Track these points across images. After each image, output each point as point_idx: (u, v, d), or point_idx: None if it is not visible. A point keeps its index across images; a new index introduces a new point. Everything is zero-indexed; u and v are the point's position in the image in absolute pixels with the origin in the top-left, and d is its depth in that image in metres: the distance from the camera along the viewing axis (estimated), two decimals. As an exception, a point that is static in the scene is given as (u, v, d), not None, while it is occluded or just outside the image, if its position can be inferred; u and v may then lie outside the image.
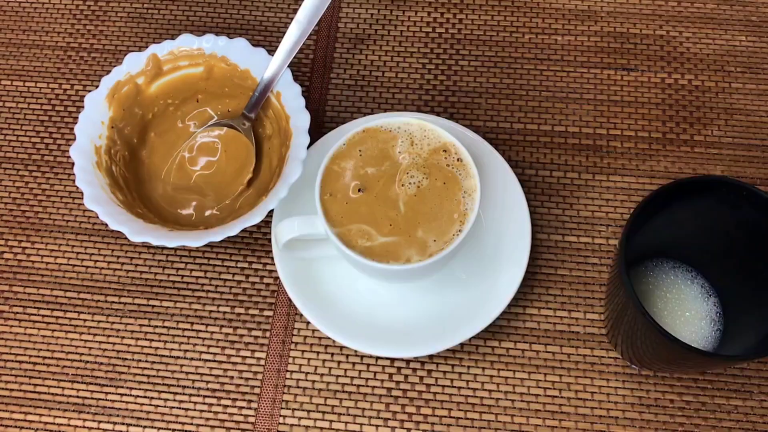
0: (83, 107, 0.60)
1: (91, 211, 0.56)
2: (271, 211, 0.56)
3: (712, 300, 0.53)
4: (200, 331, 0.58)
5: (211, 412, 0.56)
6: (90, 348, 0.58)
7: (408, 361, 0.57)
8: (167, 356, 0.58)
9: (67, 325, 0.59)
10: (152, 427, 0.55)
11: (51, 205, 0.63)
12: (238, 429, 0.55)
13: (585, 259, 0.59)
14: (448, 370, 0.56)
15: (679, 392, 0.55)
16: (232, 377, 0.57)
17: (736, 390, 0.55)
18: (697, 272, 0.54)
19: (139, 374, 0.57)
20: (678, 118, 0.64)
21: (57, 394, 0.57)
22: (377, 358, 0.57)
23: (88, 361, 0.58)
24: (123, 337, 0.58)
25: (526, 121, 0.64)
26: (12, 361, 0.58)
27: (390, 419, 0.55)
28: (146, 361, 0.57)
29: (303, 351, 0.57)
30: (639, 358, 0.51)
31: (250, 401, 0.56)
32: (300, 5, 0.61)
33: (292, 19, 0.61)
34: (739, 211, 0.48)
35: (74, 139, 0.59)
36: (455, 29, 0.68)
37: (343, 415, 0.55)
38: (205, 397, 0.56)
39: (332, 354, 0.57)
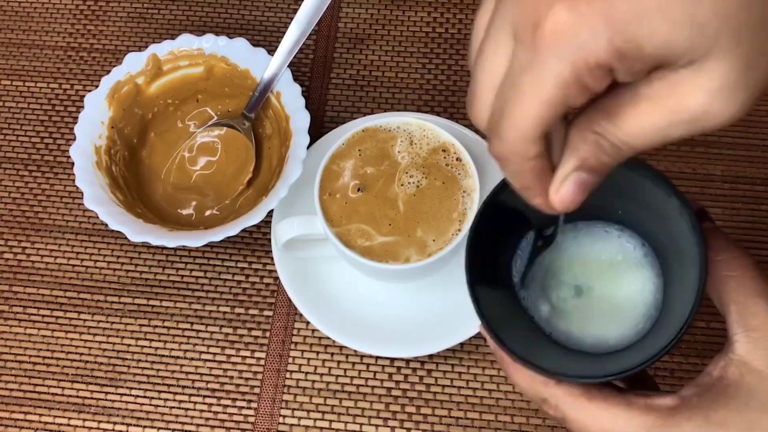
0: (83, 107, 0.60)
1: (91, 211, 0.56)
2: (271, 211, 0.56)
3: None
4: (200, 331, 0.58)
5: (211, 412, 0.56)
6: (90, 348, 0.58)
7: (408, 361, 0.57)
8: (167, 356, 0.58)
9: (67, 325, 0.59)
10: (152, 427, 0.55)
11: (51, 205, 0.63)
12: (238, 429, 0.55)
13: (585, 258, 0.59)
14: (448, 370, 0.56)
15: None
16: (232, 377, 0.57)
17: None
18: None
19: (139, 374, 0.57)
20: (678, 118, 0.64)
21: (57, 394, 0.57)
22: (377, 358, 0.57)
23: (88, 361, 0.58)
24: (123, 337, 0.58)
25: (526, 120, 0.64)
26: (12, 361, 0.58)
27: (390, 419, 0.55)
28: (146, 361, 0.57)
29: (303, 351, 0.57)
30: None
31: (250, 401, 0.56)
32: (300, 5, 0.61)
33: (292, 19, 0.61)
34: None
35: (74, 139, 0.59)
36: (455, 29, 0.68)
37: (343, 415, 0.55)
38: (205, 397, 0.56)
39: (332, 354, 0.57)
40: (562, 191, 0.31)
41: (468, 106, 0.32)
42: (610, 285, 0.42)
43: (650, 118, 0.29)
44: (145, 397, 0.56)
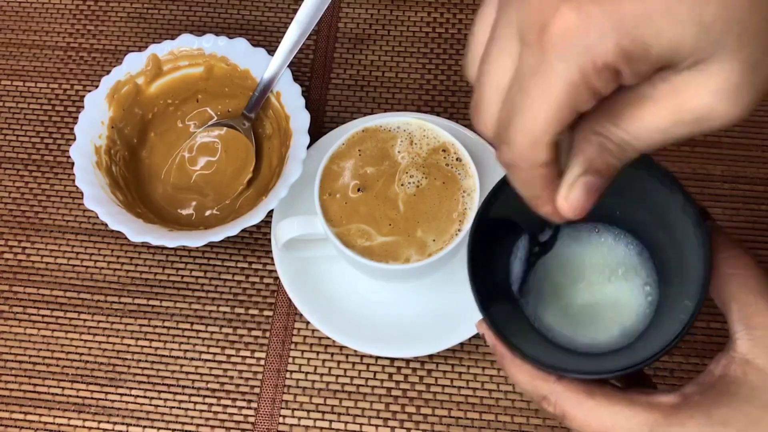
0: (83, 107, 0.60)
1: (91, 211, 0.56)
2: (271, 211, 0.56)
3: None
4: (200, 331, 0.58)
5: (211, 412, 0.56)
6: (90, 348, 0.58)
7: (408, 361, 0.57)
8: (167, 356, 0.58)
9: (67, 325, 0.59)
10: (152, 427, 0.55)
11: (51, 205, 0.63)
12: (238, 429, 0.55)
13: (585, 258, 0.59)
14: (448, 370, 0.56)
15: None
16: (232, 377, 0.57)
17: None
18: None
19: (139, 374, 0.57)
20: (678, 118, 0.64)
21: (57, 394, 0.57)
22: (377, 358, 0.57)
23: (88, 361, 0.58)
24: (123, 337, 0.58)
25: (526, 120, 0.64)
26: (12, 361, 0.58)
27: (390, 419, 0.55)
28: (146, 361, 0.57)
29: (303, 351, 0.57)
30: None
31: (250, 401, 0.56)
32: (300, 5, 0.61)
33: (292, 19, 0.61)
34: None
35: (74, 139, 0.59)
36: (455, 29, 0.68)
37: (343, 415, 0.55)
38: (205, 397, 0.56)
39: (332, 354, 0.57)
40: (571, 196, 0.31)
41: (473, 115, 0.32)
42: (606, 288, 0.42)
43: (653, 118, 0.29)
44: (145, 397, 0.56)
